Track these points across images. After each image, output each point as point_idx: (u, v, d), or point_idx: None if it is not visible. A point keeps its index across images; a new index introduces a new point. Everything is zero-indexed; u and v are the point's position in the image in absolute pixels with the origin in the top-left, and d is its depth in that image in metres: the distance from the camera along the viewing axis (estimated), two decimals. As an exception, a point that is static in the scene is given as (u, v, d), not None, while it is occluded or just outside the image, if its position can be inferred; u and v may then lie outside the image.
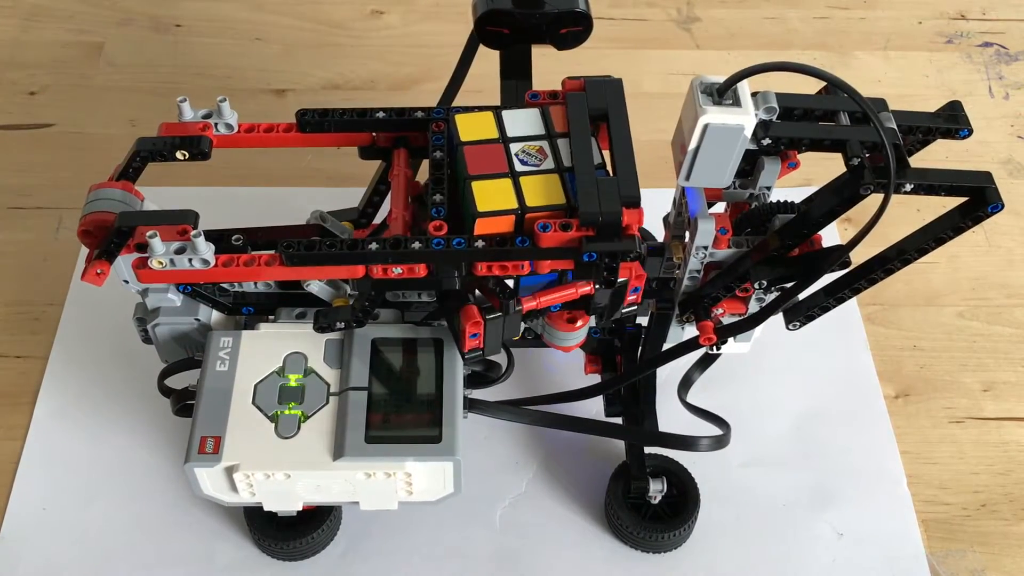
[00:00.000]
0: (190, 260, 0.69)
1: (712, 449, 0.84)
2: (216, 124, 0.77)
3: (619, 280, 0.71)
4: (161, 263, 0.69)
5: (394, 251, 0.69)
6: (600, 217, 0.67)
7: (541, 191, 0.70)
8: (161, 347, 0.80)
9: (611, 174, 0.70)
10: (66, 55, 1.27)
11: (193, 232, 0.69)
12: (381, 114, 0.78)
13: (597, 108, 0.74)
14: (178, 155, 0.74)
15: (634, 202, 0.68)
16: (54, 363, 0.98)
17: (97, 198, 0.72)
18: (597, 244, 0.67)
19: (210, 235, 0.76)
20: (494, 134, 0.73)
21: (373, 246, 0.69)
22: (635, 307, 0.78)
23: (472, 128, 0.73)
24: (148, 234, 0.68)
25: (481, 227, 0.69)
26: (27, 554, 0.86)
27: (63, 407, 0.95)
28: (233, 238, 0.75)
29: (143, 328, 0.80)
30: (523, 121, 0.74)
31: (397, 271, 0.70)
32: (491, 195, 0.70)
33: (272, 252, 0.72)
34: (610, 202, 0.67)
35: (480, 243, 0.68)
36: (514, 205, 0.69)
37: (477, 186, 0.70)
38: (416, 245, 0.68)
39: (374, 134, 0.79)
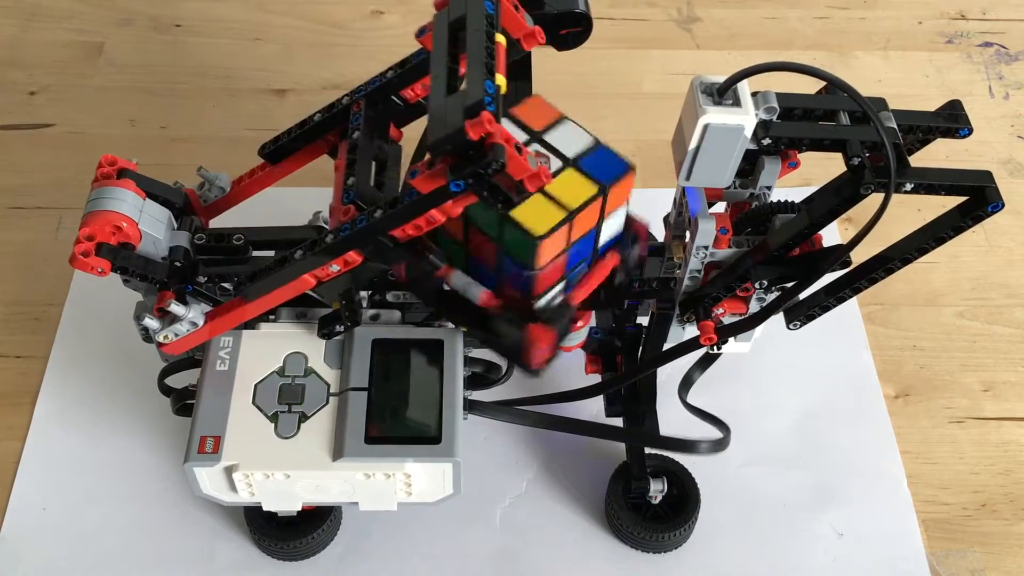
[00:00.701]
0: (184, 326, 0.73)
1: (711, 453, 0.84)
2: (209, 190, 0.80)
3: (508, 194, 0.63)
4: (167, 337, 0.73)
5: (312, 252, 0.68)
6: (448, 145, 0.58)
7: (570, 189, 0.67)
8: (161, 347, 0.81)
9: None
10: (66, 55, 1.27)
11: (168, 301, 0.71)
12: (317, 116, 0.77)
13: (457, 16, 0.64)
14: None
15: (474, 110, 0.58)
16: (54, 363, 0.98)
17: (100, 196, 0.72)
18: (459, 170, 0.60)
19: (212, 235, 0.76)
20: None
21: (298, 255, 0.68)
22: (540, 368, 0.75)
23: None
24: (138, 316, 0.71)
25: (546, 249, 0.65)
26: (27, 554, 0.86)
27: (63, 407, 0.95)
28: (234, 238, 0.75)
29: (143, 327, 0.79)
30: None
31: (335, 268, 0.69)
32: (536, 216, 0.66)
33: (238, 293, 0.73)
34: (453, 119, 0.58)
35: (378, 212, 0.65)
36: (562, 214, 0.65)
37: (518, 212, 0.65)
38: (329, 238, 0.67)
39: (330, 137, 0.78)
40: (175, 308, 0.72)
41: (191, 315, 0.73)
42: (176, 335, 0.73)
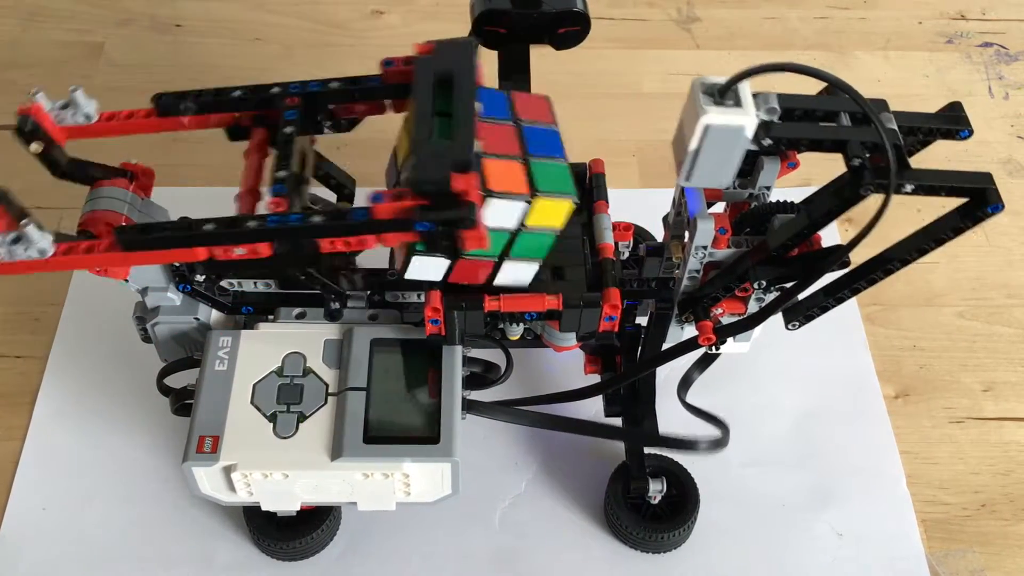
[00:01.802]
0: (25, 250, 0.66)
1: (711, 451, 0.84)
2: (73, 114, 0.74)
3: (460, 251, 0.68)
4: None
5: (228, 231, 0.66)
6: (429, 184, 0.63)
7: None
8: (160, 346, 0.80)
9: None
10: (66, 55, 1.27)
11: (23, 222, 0.66)
12: (238, 92, 0.75)
13: (443, 70, 0.69)
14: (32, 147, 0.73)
15: (464, 165, 0.63)
16: (54, 363, 0.98)
17: (100, 196, 0.73)
18: (429, 213, 0.64)
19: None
20: None
21: (209, 227, 0.66)
22: (612, 332, 0.78)
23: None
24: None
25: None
26: (27, 554, 0.86)
27: (63, 407, 0.95)
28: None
29: (143, 327, 0.80)
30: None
31: (239, 251, 0.67)
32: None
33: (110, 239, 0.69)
34: (438, 168, 0.63)
35: (316, 218, 0.65)
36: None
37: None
38: (252, 224, 0.66)
39: (236, 115, 0.76)
40: (31, 230, 0.66)
41: (41, 243, 0.66)
42: (10, 256, 0.66)
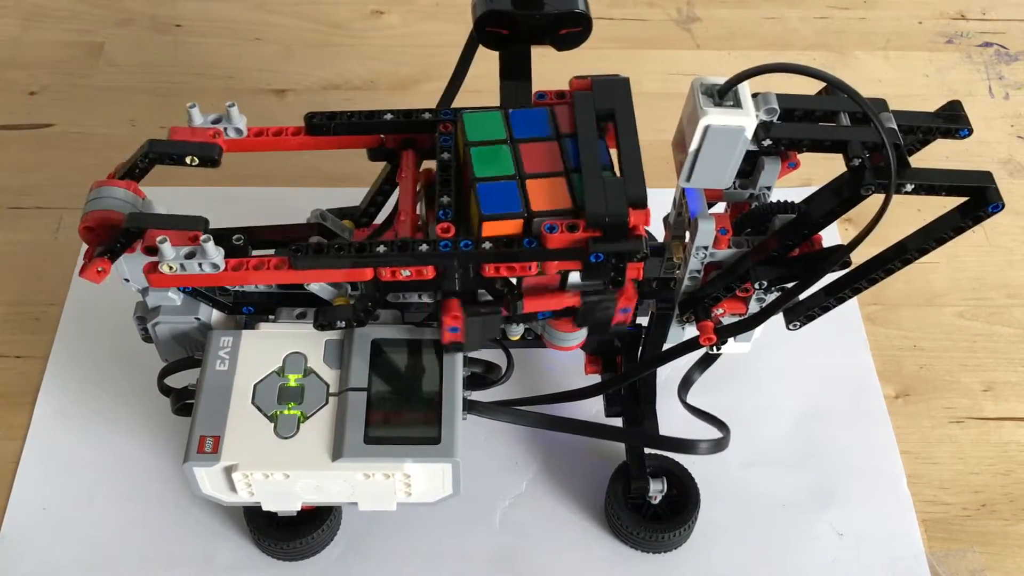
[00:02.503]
0: (200, 265, 0.70)
1: (711, 452, 0.84)
2: (225, 129, 0.78)
3: (623, 279, 0.71)
4: (171, 267, 0.70)
5: (402, 254, 0.69)
6: (607, 218, 0.67)
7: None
8: (161, 346, 0.80)
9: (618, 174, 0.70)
10: (66, 55, 1.27)
11: (203, 237, 0.69)
12: (389, 116, 0.78)
13: (604, 108, 0.74)
14: (187, 160, 0.75)
15: (640, 202, 0.68)
16: (54, 363, 0.98)
17: (100, 196, 0.73)
18: (604, 245, 0.67)
19: (212, 234, 0.76)
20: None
21: (381, 248, 0.69)
22: (624, 325, 0.78)
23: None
24: (159, 239, 0.69)
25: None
26: (27, 554, 0.86)
27: (63, 407, 0.95)
28: (234, 238, 0.75)
29: (143, 327, 0.80)
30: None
31: (406, 273, 0.70)
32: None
33: (278, 255, 0.72)
34: (616, 203, 0.67)
35: (487, 244, 0.68)
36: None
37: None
38: (424, 247, 0.69)
39: (382, 136, 0.79)
40: (208, 246, 0.69)
41: (216, 259, 0.70)
42: (184, 269, 0.70)
